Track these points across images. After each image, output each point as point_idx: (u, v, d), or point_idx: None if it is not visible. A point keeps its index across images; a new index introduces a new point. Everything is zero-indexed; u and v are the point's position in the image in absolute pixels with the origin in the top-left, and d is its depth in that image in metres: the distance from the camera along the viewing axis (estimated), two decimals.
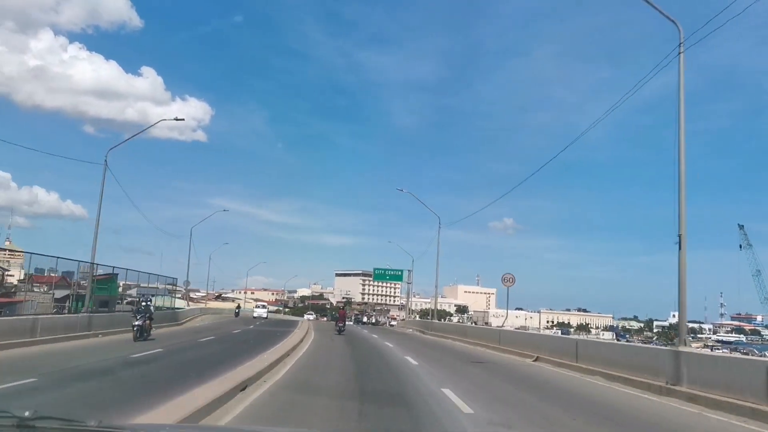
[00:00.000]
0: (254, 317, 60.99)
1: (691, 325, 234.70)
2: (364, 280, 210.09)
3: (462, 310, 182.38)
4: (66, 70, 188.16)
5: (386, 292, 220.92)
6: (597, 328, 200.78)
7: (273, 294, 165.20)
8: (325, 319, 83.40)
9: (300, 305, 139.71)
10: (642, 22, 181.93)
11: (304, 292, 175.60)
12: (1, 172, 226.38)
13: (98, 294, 33.11)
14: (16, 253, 54.84)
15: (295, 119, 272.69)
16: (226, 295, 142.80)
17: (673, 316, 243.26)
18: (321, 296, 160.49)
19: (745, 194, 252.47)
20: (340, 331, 35.03)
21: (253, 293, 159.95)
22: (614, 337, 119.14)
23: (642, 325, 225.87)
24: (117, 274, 37.41)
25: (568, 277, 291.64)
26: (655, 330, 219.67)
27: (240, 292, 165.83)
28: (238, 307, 59.41)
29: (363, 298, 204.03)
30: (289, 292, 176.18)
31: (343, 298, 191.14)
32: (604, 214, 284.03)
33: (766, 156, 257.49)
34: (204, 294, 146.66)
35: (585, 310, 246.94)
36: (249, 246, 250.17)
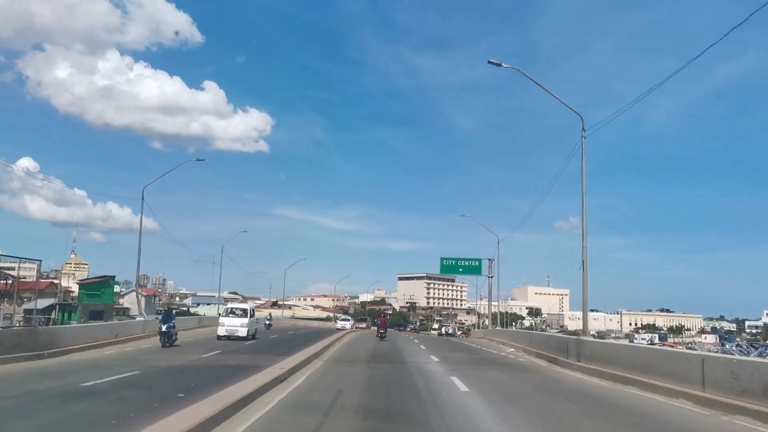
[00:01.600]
0: (338, 328, 50.99)
1: None
2: (428, 283, 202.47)
3: (535, 312, 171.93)
4: (133, 88, 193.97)
5: (452, 295, 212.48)
6: (689, 330, 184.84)
7: (333, 300, 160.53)
8: (364, 325, 68.53)
9: (361, 310, 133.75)
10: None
11: (367, 297, 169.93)
12: (76, 190, 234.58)
13: (88, 302, 27.94)
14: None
15: (353, 126, 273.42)
16: (284, 303, 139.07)
17: (767, 314, 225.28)
18: (383, 301, 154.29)
19: None
20: (381, 338, 36.48)
21: (312, 300, 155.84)
22: (717, 340, 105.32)
23: (734, 326, 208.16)
24: (113, 277, 32.05)
25: (643, 277, 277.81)
26: (747, 330, 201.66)
27: (299, 299, 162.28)
28: (269, 317, 51.25)
29: (428, 302, 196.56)
30: (351, 297, 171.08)
31: (407, 302, 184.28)
32: (674, 209, 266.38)
33: None
34: (263, 302, 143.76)
35: (668, 310, 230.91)
36: (312, 254, 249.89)
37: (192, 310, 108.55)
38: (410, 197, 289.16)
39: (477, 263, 55.97)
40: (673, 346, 58.21)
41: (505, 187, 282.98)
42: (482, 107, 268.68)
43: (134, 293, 75.51)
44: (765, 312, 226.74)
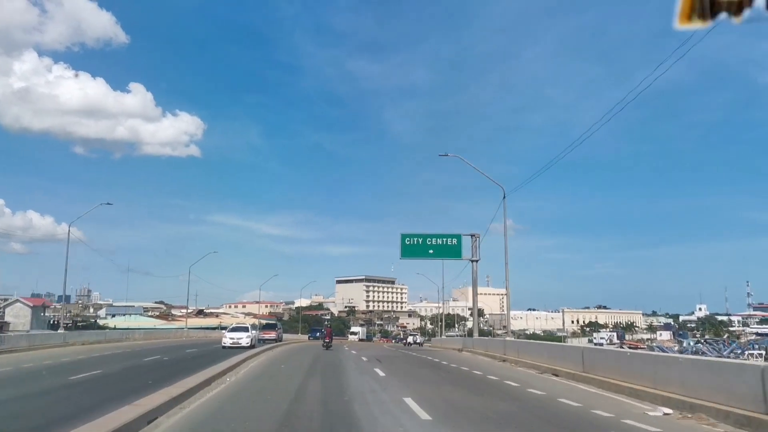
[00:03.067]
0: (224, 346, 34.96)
1: (720, 318, 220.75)
2: (367, 286, 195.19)
3: (478, 314, 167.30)
4: (52, 90, 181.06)
5: (392, 297, 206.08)
6: (639, 327, 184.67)
7: (267, 306, 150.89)
8: (273, 335, 48.60)
9: (296, 316, 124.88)
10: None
11: (303, 302, 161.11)
12: None
13: None
14: None
15: (290, 131, 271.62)
16: (210, 311, 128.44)
17: (699, 309, 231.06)
18: (320, 306, 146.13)
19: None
20: (327, 347, 36.31)
21: (244, 306, 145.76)
22: (672, 337, 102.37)
23: (671, 321, 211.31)
24: None
25: (576, 276, 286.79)
26: (682, 324, 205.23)
27: (230, 306, 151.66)
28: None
29: (367, 306, 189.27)
30: (286, 303, 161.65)
31: (346, 306, 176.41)
32: (601, 210, 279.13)
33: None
34: (191, 310, 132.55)
35: (605, 307, 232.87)
36: (249, 261, 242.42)
37: (103, 322, 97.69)
38: (348, 202, 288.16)
39: (455, 241, 40.95)
40: (637, 346, 54.41)
41: (441, 191, 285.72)
42: (418, 111, 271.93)
43: (19, 305, 65.04)
44: (697, 307, 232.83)
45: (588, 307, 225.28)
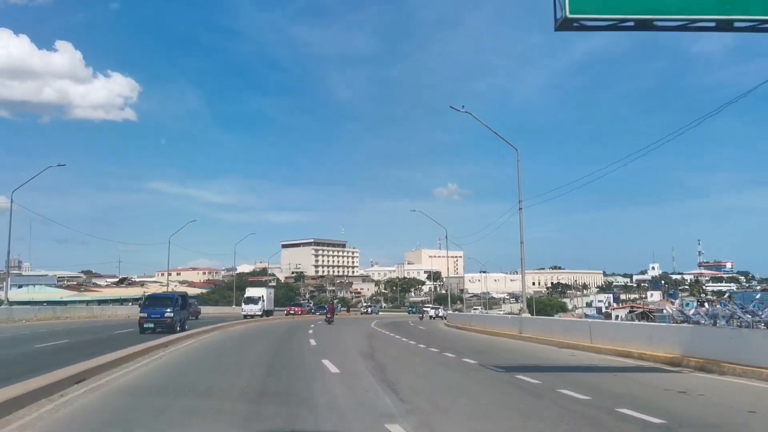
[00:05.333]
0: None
1: (674, 276, 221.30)
2: (316, 250, 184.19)
3: (435, 276, 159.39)
4: None
5: (343, 261, 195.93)
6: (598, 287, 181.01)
7: (205, 273, 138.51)
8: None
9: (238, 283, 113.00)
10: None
11: (247, 269, 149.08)
12: None
13: None
14: None
15: (231, 97, 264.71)
16: (142, 280, 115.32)
17: (653, 268, 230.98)
18: (264, 271, 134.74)
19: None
20: (329, 322, 38.96)
21: (179, 274, 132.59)
22: (663, 297, 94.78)
23: (628, 280, 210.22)
24: None
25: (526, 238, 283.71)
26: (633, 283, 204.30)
27: (162, 275, 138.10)
28: None
29: (316, 271, 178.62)
30: (227, 270, 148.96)
31: (293, 272, 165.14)
32: (544, 174, 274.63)
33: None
34: (116, 280, 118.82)
35: (559, 268, 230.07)
36: (191, 229, 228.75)
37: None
38: (292, 168, 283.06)
39: None
40: (650, 310, 46.19)
41: (386, 157, 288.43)
42: (362, 78, 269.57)
43: None
44: (650, 266, 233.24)
45: (543, 268, 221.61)
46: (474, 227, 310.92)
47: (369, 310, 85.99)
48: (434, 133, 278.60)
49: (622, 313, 48.97)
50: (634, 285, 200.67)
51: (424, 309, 69.62)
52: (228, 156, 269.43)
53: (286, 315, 58.99)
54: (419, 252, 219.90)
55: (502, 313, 63.67)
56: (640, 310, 48.16)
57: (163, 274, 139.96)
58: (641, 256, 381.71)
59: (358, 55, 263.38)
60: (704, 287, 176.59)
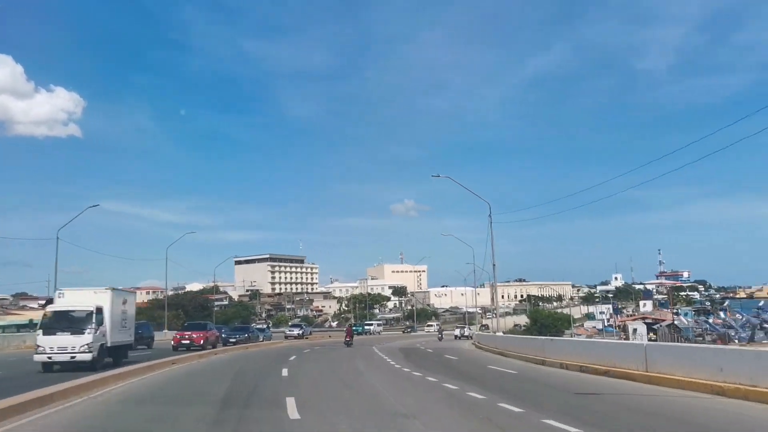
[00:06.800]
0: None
1: (637, 287, 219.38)
2: (273, 266, 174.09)
3: (399, 291, 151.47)
4: None
5: (302, 278, 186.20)
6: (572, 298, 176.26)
7: (148, 294, 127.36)
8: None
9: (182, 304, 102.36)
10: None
11: (197, 287, 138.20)
12: None
13: None
14: None
15: (183, 113, 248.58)
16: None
17: (616, 279, 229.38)
18: (215, 289, 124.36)
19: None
20: (348, 345, 36.57)
21: None
22: (654, 307, 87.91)
23: (594, 290, 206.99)
24: None
25: (482, 252, 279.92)
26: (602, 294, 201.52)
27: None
28: None
29: (273, 288, 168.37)
30: (173, 289, 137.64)
31: (248, 290, 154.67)
32: (501, 188, 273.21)
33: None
34: (44, 302, 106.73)
35: (523, 280, 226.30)
36: (140, 249, 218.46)
37: None
38: (247, 186, 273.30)
39: None
40: (663, 319, 39.53)
41: (344, 174, 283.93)
42: (318, 94, 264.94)
43: None
44: (613, 276, 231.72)
45: (509, 281, 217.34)
46: (433, 243, 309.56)
47: (458, 333, 63.44)
48: (391, 149, 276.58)
49: (639, 326, 42.26)
50: (598, 296, 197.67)
51: (455, 327, 65.45)
52: (179, 174, 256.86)
53: (174, 346, 32.60)
54: (382, 267, 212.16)
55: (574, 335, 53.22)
56: (666, 322, 41.38)
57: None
58: (601, 268, 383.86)
59: (314, 71, 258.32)
60: (676, 296, 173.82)
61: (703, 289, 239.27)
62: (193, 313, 74.63)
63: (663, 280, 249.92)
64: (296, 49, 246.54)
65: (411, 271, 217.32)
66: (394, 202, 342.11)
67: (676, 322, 40.05)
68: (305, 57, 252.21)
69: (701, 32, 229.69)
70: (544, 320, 55.27)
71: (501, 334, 34.98)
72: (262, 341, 45.74)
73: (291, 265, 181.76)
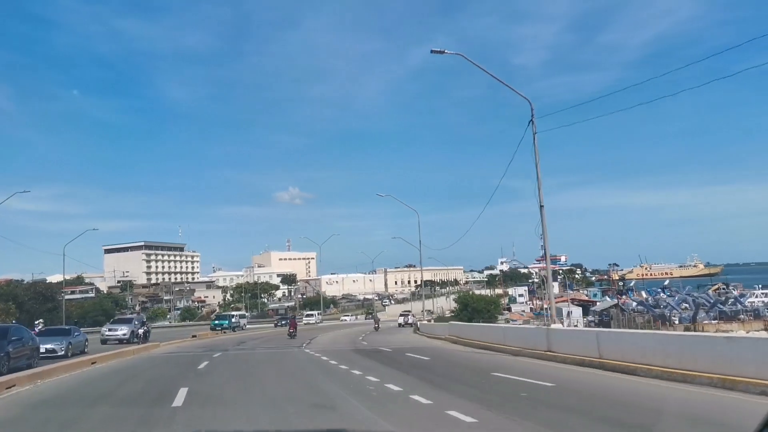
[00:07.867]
0: None
1: (522, 271, 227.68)
2: (148, 255, 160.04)
3: (289, 279, 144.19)
4: None
5: (181, 267, 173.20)
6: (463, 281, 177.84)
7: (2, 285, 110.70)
8: None
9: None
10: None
11: (57, 279, 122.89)
12: None
13: None
14: None
15: (47, 94, 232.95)
16: None
17: (502, 263, 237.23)
18: (79, 279, 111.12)
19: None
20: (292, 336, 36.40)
21: None
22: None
23: (484, 274, 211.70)
24: None
25: (367, 241, 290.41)
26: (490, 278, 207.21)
27: None
28: None
29: (149, 278, 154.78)
30: (30, 282, 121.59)
31: (119, 281, 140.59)
32: (386, 178, 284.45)
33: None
34: None
35: (412, 266, 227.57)
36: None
37: None
38: (120, 173, 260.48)
39: None
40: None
41: (224, 161, 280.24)
42: (197, 77, 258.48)
43: None
44: (499, 260, 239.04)
45: (398, 267, 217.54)
46: (320, 230, 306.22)
47: (402, 320, 57.99)
48: (273, 136, 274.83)
49: (573, 309, 39.28)
50: (485, 279, 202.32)
51: (370, 315, 62.00)
52: (43, 159, 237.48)
53: None
54: (268, 254, 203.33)
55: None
56: (601, 306, 38.66)
57: None
58: (486, 254, 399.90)
59: (192, 53, 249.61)
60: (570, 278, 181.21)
61: (579, 272, 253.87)
62: (32, 308, 62.12)
63: (543, 264, 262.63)
64: (174, 29, 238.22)
65: (299, 259, 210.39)
66: (279, 190, 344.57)
67: (620, 304, 38.33)
68: (183, 38, 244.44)
69: (571, 31, 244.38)
70: (476, 304, 51.51)
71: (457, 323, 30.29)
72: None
73: (169, 253, 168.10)
